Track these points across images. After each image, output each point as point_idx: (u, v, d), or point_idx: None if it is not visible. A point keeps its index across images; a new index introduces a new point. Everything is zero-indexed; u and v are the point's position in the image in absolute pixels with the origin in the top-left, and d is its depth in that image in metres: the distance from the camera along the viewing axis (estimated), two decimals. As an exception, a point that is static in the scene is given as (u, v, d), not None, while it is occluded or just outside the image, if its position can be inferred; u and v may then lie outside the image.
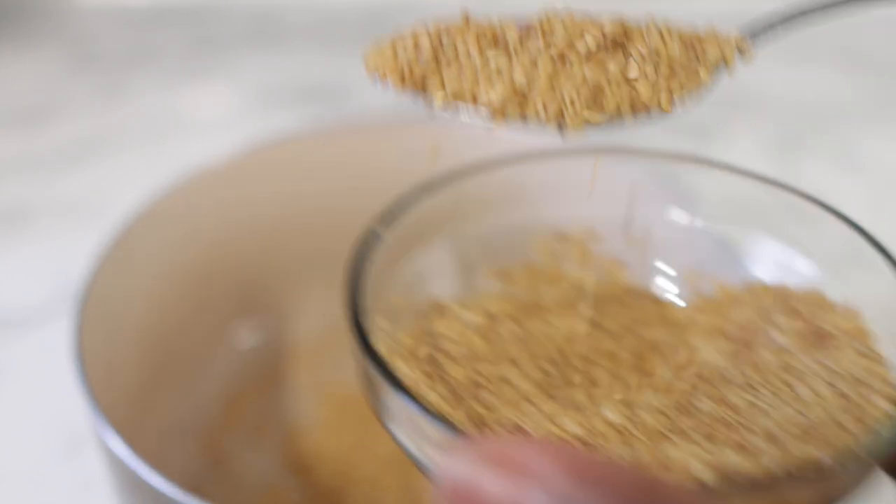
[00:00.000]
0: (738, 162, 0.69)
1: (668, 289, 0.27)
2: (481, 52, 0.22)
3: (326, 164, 0.43)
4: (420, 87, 0.23)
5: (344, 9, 0.85)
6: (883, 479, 0.20)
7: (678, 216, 0.28)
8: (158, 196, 0.38)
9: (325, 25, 0.82)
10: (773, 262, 0.26)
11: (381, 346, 0.22)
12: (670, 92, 0.22)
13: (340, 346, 0.44)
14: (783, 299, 0.25)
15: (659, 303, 0.27)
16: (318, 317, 0.46)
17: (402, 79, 0.23)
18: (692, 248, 0.28)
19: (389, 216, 0.25)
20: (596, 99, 0.22)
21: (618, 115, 0.22)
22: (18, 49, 0.78)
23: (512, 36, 0.23)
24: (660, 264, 0.28)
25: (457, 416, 0.21)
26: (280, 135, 0.42)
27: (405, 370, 0.23)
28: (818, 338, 0.23)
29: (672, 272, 0.27)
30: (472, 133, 0.43)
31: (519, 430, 0.21)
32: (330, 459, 0.39)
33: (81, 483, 0.39)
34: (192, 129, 0.66)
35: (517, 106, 0.22)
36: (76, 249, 0.45)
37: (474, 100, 0.22)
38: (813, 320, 0.24)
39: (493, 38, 0.23)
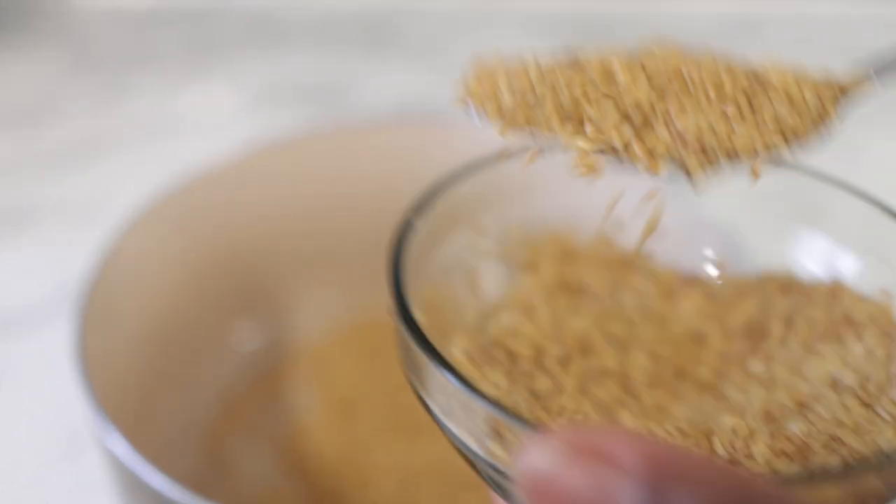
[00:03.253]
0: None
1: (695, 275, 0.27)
2: (591, 91, 0.21)
3: (326, 164, 0.43)
4: (524, 123, 0.21)
5: (344, 9, 0.85)
6: None
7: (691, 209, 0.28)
8: (158, 196, 0.38)
9: (325, 25, 0.82)
10: (814, 254, 0.25)
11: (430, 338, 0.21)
12: (795, 133, 0.21)
13: (340, 346, 0.44)
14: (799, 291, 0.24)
15: (694, 282, 0.26)
16: (318, 317, 0.46)
17: (502, 114, 0.21)
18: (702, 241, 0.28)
19: (422, 206, 0.23)
20: (721, 144, 0.20)
21: (742, 157, 0.20)
22: (18, 49, 0.78)
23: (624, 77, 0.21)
24: (680, 254, 0.27)
25: (513, 400, 0.20)
26: (280, 135, 0.42)
27: (456, 355, 0.22)
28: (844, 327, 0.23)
29: (690, 262, 0.27)
30: (471, 133, 0.43)
31: (578, 419, 0.20)
32: (329, 460, 0.39)
33: (81, 483, 0.39)
34: (191, 130, 0.66)
35: (641, 142, 0.20)
36: (76, 249, 0.45)
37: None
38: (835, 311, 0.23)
39: (604, 77, 0.21)
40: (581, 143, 0.21)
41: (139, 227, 0.37)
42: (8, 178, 0.60)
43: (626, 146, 0.21)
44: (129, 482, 0.28)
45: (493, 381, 0.21)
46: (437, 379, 0.19)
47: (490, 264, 0.26)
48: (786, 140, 0.21)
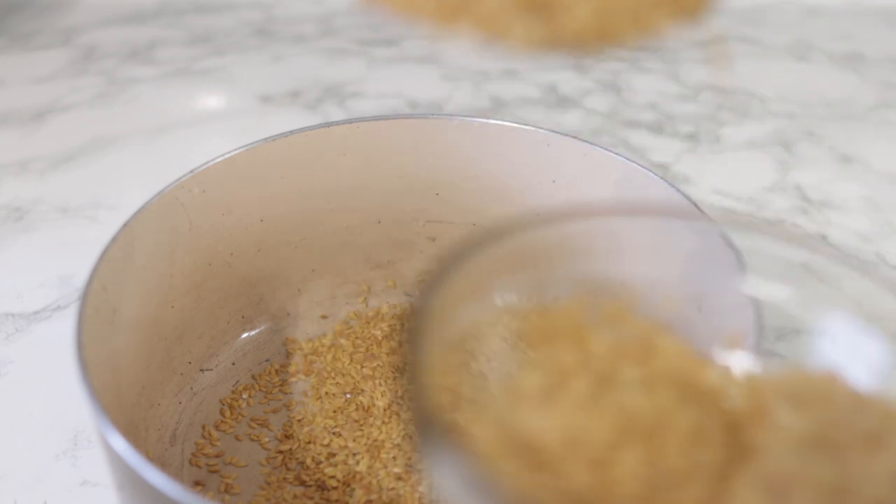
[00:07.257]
0: (739, 162, 0.69)
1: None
2: None
3: (326, 163, 0.43)
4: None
5: (343, 9, 0.85)
6: None
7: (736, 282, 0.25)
8: (159, 195, 0.38)
9: (325, 26, 0.82)
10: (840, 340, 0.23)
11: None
12: None
13: (340, 346, 0.44)
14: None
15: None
16: (319, 317, 0.46)
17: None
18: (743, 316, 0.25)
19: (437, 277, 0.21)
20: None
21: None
22: (19, 48, 0.78)
23: None
24: (709, 331, 0.25)
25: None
26: (280, 134, 0.42)
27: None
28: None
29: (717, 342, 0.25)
30: (470, 131, 0.43)
31: None
32: (330, 459, 0.39)
33: (81, 483, 0.39)
34: (191, 129, 0.66)
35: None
36: (76, 249, 0.45)
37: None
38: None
39: None
40: None
41: (139, 226, 0.37)
42: (8, 177, 0.60)
43: None
44: (130, 480, 0.28)
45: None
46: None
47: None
48: None
